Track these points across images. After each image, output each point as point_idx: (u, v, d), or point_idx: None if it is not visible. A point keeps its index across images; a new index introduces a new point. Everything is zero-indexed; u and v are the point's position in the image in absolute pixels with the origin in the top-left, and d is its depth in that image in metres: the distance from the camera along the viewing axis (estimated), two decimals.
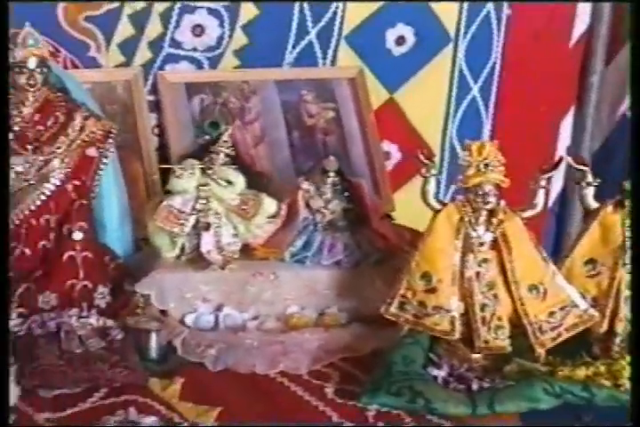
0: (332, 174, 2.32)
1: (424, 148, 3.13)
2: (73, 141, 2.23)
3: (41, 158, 2.21)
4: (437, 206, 2.05)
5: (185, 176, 2.22)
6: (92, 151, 2.25)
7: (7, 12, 1.95)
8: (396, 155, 3.27)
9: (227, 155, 2.26)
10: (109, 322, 2.14)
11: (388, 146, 3.23)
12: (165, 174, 2.75)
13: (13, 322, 2.12)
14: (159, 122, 2.92)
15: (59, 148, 2.22)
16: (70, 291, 2.20)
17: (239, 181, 2.24)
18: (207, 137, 2.67)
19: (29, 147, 2.20)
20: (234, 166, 2.26)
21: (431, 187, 2.05)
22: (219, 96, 2.98)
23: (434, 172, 2.06)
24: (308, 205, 2.32)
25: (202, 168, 2.24)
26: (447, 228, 2.03)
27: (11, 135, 2.19)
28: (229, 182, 2.24)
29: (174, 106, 2.91)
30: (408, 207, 2.87)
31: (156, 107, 2.93)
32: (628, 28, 3.21)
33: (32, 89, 2.21)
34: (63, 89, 2.28)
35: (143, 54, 2.93)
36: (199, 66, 3.02)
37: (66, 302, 2.18)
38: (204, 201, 2.24)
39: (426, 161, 2.05)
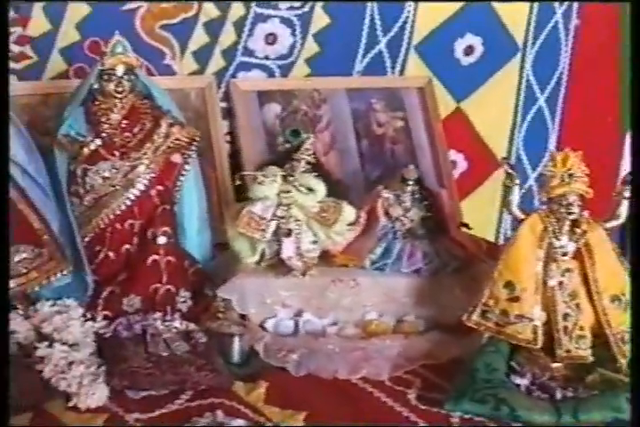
0: (411, 183, 2.34)
1: (490, 156, 3.17)
2: (158, 148, 2.27)
3: (127, 164, 2.25)
4: (521, 216, 2.06)
5: (267, 183, 2.25)
6: (176, 158, 2.29)
7: (7, 12, 1.96)
8: (462, 164, 3.28)
9: (308, 162, 2.28)
10: (192, 326, 2.17)
11: (454, 155, 3.24)
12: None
13: (99, 324, 2.16)
14: (231, 129, 2.96)
15: (144, 154, 2.26)
16: (154, 295, 2.23)
17: (320, 188, 2.27)
18: (288, 144, 2.69)
19: (117, 153, 2.25)
20: (315, 174, 2.27)
21: (514, 196, 2.06)
22: (290, 104, 3.01)
23: (517, 181, 2.06)
24: (387, 213, 2.34)
25: (283, 175, 2.25)
26: (531, 237, 2.04)
27: (99, 141, 2.24)
28: (310, 190, 2.26)
29: (246, 113, 2.95)
30: (474, 216, 2.88)
31: (228, 114, 2.97)
32: None
33: (120, 96, 2.25)
34: (149, 96, 2.32)
35: (217, 62, 2.97)
36: (271, 74, 3.05)
37: (149, 305, 2.22)
38: (285, 208, 2.26)
39: (510, 171, 2.06)
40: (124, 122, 2.26)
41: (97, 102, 2.26)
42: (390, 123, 3.09)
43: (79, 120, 2.25)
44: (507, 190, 2.07)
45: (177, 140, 2.27)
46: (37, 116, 2.70)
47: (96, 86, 2.26)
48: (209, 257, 2.42)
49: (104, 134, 2.24)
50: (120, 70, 2.24)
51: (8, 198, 2.03)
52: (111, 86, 2.24)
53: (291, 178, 2.26)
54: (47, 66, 2.81)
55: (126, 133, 2.25)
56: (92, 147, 2.23)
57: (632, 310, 1.98)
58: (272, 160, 2.36)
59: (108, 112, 2.25)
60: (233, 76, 2.99)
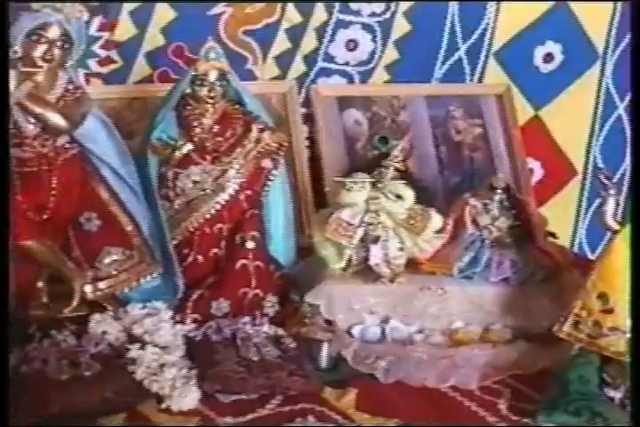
0: (499, 191, 2.33)
1: (567, 164, 3.14)
2: (249, 153, 2.28)
3: (218, 168, 2.27)
4: (615, 227, 2.04)
5: (355, 189, 2.25)
6: (266, 163, 2.31)
7: (7, 12, 1.98)
8: (538, 171, 3.27)
9: (396, 169, 2.28)
10: (280, 331, 2.18)
11: (531, 163, 3.23)
12: (316, 186, 2.83)
13: (188, 327, 2.17)
14: (310, 134, 2.97)
15: (235, 158, 2.27)
16: (242, 299, 2.25)
17: (409, 195, 2.26)
18: (376, 151, 2.70)
19: (208, 157, 2.27)
20: (404, 181, 2.27)
21: (609, 207, 2.04)
22: (369, 110, 3.01)
23: (612, 192, 2.04)
24: (474, 222, 2.33)
25: (372, 182, 2.25)
26: (625, 249, 2.01)
27: (190, 146, 2.25)
28: (399, 197, 2.26)
29: (326, 119, 2.96)
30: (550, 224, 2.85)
31: (308, 119, 2.98)
32: None
33: (212, 101, 2.27)
34: (240, 101, 2.33)
35: (298, 68, 2.99)
36: (350, 80, 3.06)
37: (237, 309, 2.23)
38: (374, 214, 2.26)
39: (605, 181, 2.04)
40: (216, 127, 2.27)
41: (189, 107, 2.28)
42: (468, 130, 3.08)
43: (171, 124, 2.27)
44: (602, 201, 2.05)
45: (267, 145, 2.29)
46: (122, 119, 2.74)
47: (188, 91, 2.28)
48: (293, 262, 2.42)
49: (196, 139, 2.26)
50: (213, 76, 2.25)
51: (8, 198, 2.00)
52: (204, 91, 2.25)
53: (379, 185, 2.26)
54: (132, 70, 2.85)
55: (218, 138, 2.26)
56: (184, 151, 2.24)
57: (632, 311, 1.94)
58: (360, 167, 2.35)
59: (200, 117, 2.27)
60: (313, 81, 3.01)
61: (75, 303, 2.16)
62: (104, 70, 2.80)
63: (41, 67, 2.07)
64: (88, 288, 2.18)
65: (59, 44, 2.07)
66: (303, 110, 2.97)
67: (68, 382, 1.94)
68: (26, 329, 2.12)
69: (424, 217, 2.25)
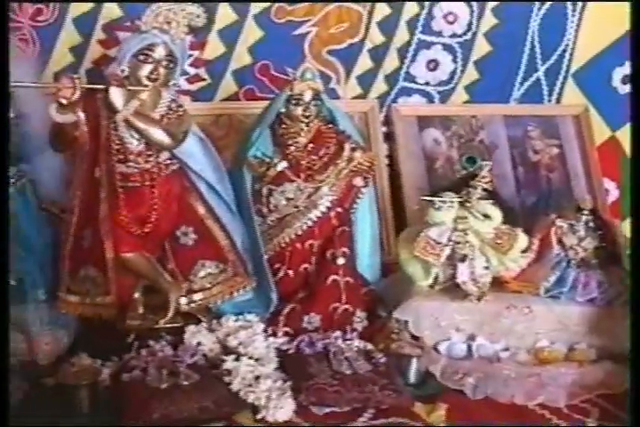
0: (586, 213, 2.36)
1: None
2: (341, 171, 2.34)
3: (311, 186, 2.33)
4: None
5: (444, 208, 2.29)
6: (357, 181, 2.36)
7: (7, 12, 2.02)
8: (614, 192, 3.27)
9: (484, 189, 2.31)
10: (369, 346, 2.22)
11: (607, 183, 3.24)
12: (394, 203, 2.87)
13: (280, 340, 2.23)
14: (390, 152, 3.02)
15: (328, 176, 2.34)
16: (333, 313, 2.30)
17: (496, 215, 2.30)
18: (464, 171, 2.74)
19: (302, 175, 2.33)
20: (491, 201, 2.31)
21: None
22: (448, 129, 3.06)
23: None
24: (560, 242, 2.36)
25: (460, 201, 2.29)
26: None
27: (285, 163, 2.32)
28: (487, 216, 2.30)
29: (406, 137, 3.02)
30: None
31: (388, 138, 3.03)
32: None
33: (306, 120, 2.33)
34: (333, 121, 2.39)
35: (379, 87, 3.06)
36: (430, 99, 3.12)
37: (328, 323, 2.29)
38: (461, 233, 2.30)
39: None
40: (310, 145, 2.33)
41: (284, 126, 2.34)
42: (546, 150, 3.11)
43: (267, 142, 2.34)
44: None
45: (359, 164, 2.34)
46: (208, 135, 2.78)
47: (283, 110, 2.34)
48: (378, 278, 2.47)
49: (290, 157, 2.33)
50: (308, 96, 2.32)
51: (8, 199, 2.08)
52: (299, 111, 2.32)
53: (467, 204, 2.30)
54: (219, 87, 2.92)
55: (312, 156, 2.33)
56: (279, 168, 2.31)
57: (631, 311, 1.95)
58: (439, 185, 2.40)
59: (294, 135, 2.33)
60: (394, 100, 3.07)
61: (170, 315, 2.22)
62: (193, 87, 2.88)
63: (147, 86, 2.14)
64: (183, 300, 2.25)
65: (164, 63, 2.14)
66: (384, 129, 3.02)
67: (168, 390, 1.99)
68: (124, 338, 2.18)
69: (511, 237, 2.29)
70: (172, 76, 2.18)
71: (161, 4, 2.17)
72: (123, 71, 2.14)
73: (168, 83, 2.18)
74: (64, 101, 2.05)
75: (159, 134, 2.13)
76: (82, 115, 2.11)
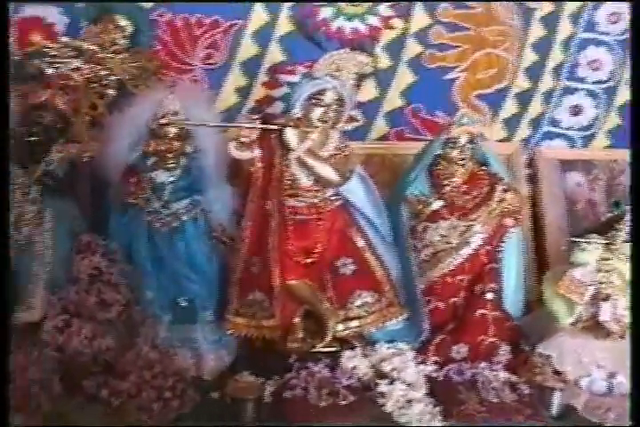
0: None
1: None
2: (492, 211, 2.48)
3: (464, 224, 2.48)
4: None
5: (589, 250, 2.40)
6: (507, 221, 2.50)
7: (7, 12, 2.13)
8: None
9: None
10: (514, 377, 2.34)
11: None
12: (536, 243, 2.97)
13: (430, 368, 2.38)
14: (532, 194, 3.13)
15: (479, 216, 2.48)
16: (479, 345, 2.44)
17: None
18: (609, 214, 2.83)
19: (456, 213, 2.48)
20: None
21: None
22: (590, 173, 3.16)
23: None
24: None
25: (605, 243, 2.40)
26: None
27: (440, 202, 2.48)
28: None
29: (549, 180, 3.13)
30: None
31: (531, 180, 3.15)
32: None
33: (462, 162, 2.49)
34: (486, 163, 2.54)
35: (523, 130, 3.19)
36: (572, 143, 3.23)
37: (475, 354, 2.42)
38: (605, 274, 2.40)
39: None
40: (465, 186, 2.49)
41: (440, 167, 2.50)
42: None
43: (424, 182, 2.51)
44: None
45: (510, 205, 2.48)
46: None
47: (440, 152, 2.51)
48: (521, 314, 2.59)
49: (445, 196, 2.49)
50: (464, 139, 2.48)
51: (8, 200, 2.21)
52: (455, 153, 2.48)
53: (612, 246, 2.40)
54: (372, 128, 3.10)
55: (465, 196, 2.48)
56: (434, 207, 2.47)
57: (632, 310, 2.06)
58: (593, 228, 2.51)
59: (450, 176, 2.49)
60: (538, 144, 3.19)
61: (327, 340, 2.38)
62: (348, 127, 3.05)
63: (317, 127, 2.33)
64: (340, 327, 2.41)
65: (333, 107, 2.34)
66: (526, 171, 3.13)
67: (328, 409, 2.16)
68: (285, 359, 2.36)
69: None
70: (341, 119, 2.35)
71: (334, 52, 2.35)
72: (296, 113, 2.33)
73: (336, 125, 2.36)
74: (243, 140, 2.25)
75: (328, 172, 2.32)
76: (258, 152, 2.30)
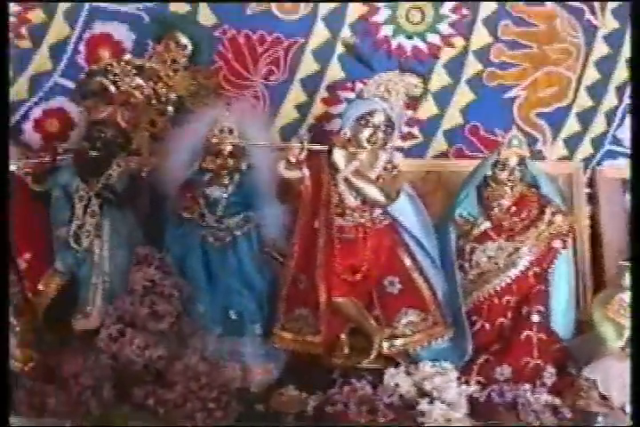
0: None
1: None
2: (541, 234, 2.49)
3: (511, 246, 2.49)
4: None
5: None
6: (556, 243, 2.50)
7: (7, 12, 2.14)
8: None
9: None
10: (557, 400, 2.34)
11: None
12: (595, 264, 2.95)
13: (472, 388, 2.38)
14: (592, 213, 3.10)
15: (528, 238, 2.49)
16: (524, 367, 2.44)
17: None
18: None
19: (503, 235, 2.49)
20: None
21: None
22: None
23: None
24: None
25: None
26: None
27: (489, 224, 2.49)
28: None
29: (610, 200, 3.09)
30: None
31: (591, 199, 3.12)
32: None
33: (511, 184, 2.50)
34: (536, 185, 2.54)
35: (585, 149, 3.15)
36: None
37: (518, 376, 2.42)
38: None
39: None
40: (513, 208, 2.50)
41: (489, 188, 2.51)
42: None
43: (472, 203, 2.52)
44: None
45: (559, 227, 2.48)
46: (417, 190, 2.96)
47: (490, 174, 2.51)
48: (572, 335, 2.58)
49: (494, 217, 2.50)
50: (513, 161, 2.49)
51: (9, 201, 2.23)
52: (504, 175, 2.49)
53: None
54: (430, 145, 3.11)
55: (514, 218, 2.49)
56: (482, 228, 2.48)
57: (632, 309, 2.03)
58: None
59: (498, 198, 2.50)
60: (599, 163, 3.15)
61: (372, 357, 2.42)
62: (405, 144, 3.08)
63: (365, 148, 2.37)
64: (385, 344, 2.44)
65: (382, 128, 2.38)
66: (587, 190, 3.10)
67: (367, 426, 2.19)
68: (328, 375, 2.40)
69: None
70: (389, 140, 2.39)
71: (383, 74, 2.39)
72: (345, 134, 2.37)
73: (385, 145, 2.39)
74: (292, 160, 2.30)
75: (375, 193, 2.36)
76: (307, 172, 2.35)
